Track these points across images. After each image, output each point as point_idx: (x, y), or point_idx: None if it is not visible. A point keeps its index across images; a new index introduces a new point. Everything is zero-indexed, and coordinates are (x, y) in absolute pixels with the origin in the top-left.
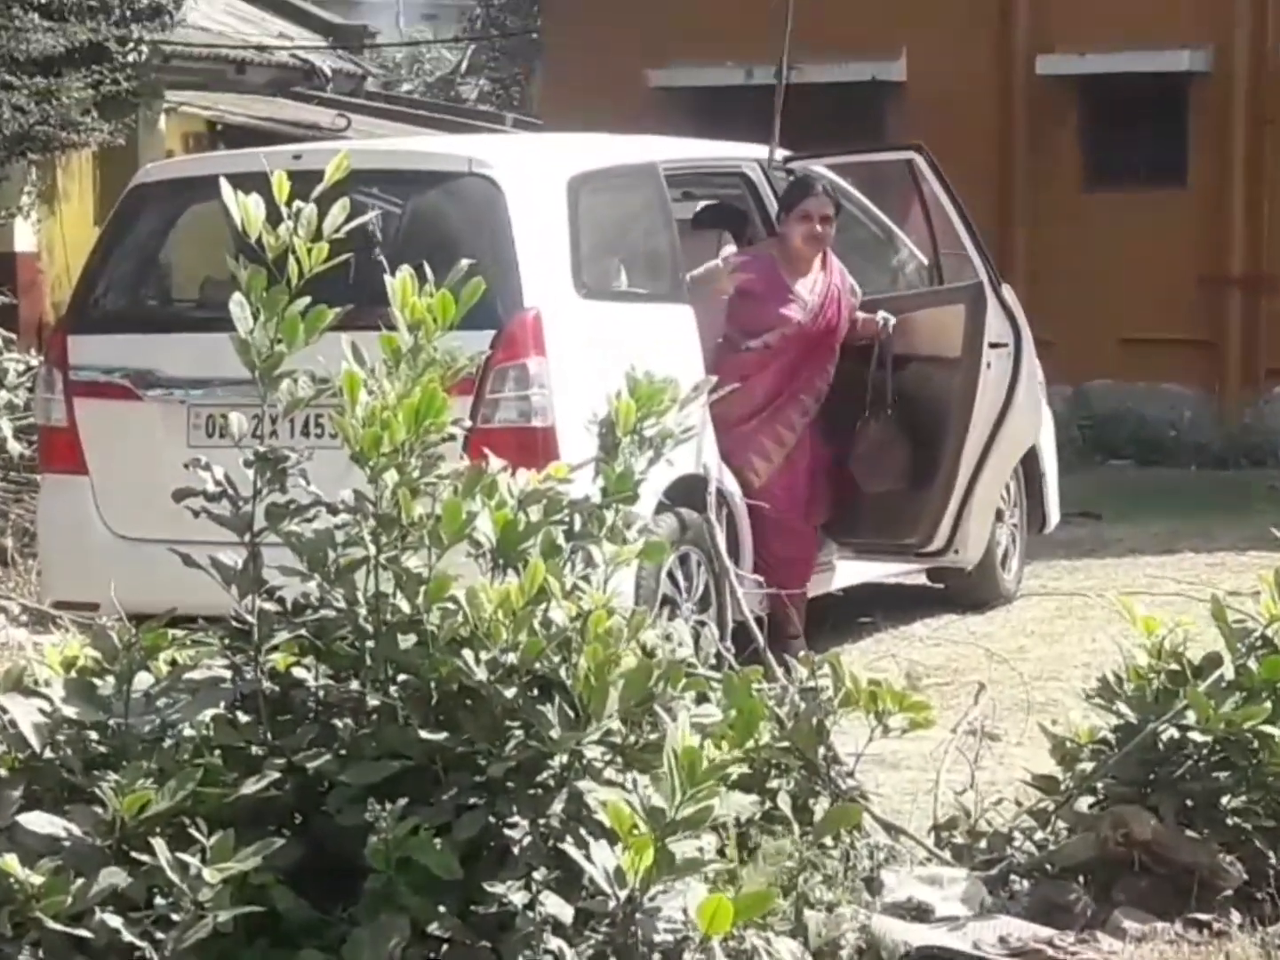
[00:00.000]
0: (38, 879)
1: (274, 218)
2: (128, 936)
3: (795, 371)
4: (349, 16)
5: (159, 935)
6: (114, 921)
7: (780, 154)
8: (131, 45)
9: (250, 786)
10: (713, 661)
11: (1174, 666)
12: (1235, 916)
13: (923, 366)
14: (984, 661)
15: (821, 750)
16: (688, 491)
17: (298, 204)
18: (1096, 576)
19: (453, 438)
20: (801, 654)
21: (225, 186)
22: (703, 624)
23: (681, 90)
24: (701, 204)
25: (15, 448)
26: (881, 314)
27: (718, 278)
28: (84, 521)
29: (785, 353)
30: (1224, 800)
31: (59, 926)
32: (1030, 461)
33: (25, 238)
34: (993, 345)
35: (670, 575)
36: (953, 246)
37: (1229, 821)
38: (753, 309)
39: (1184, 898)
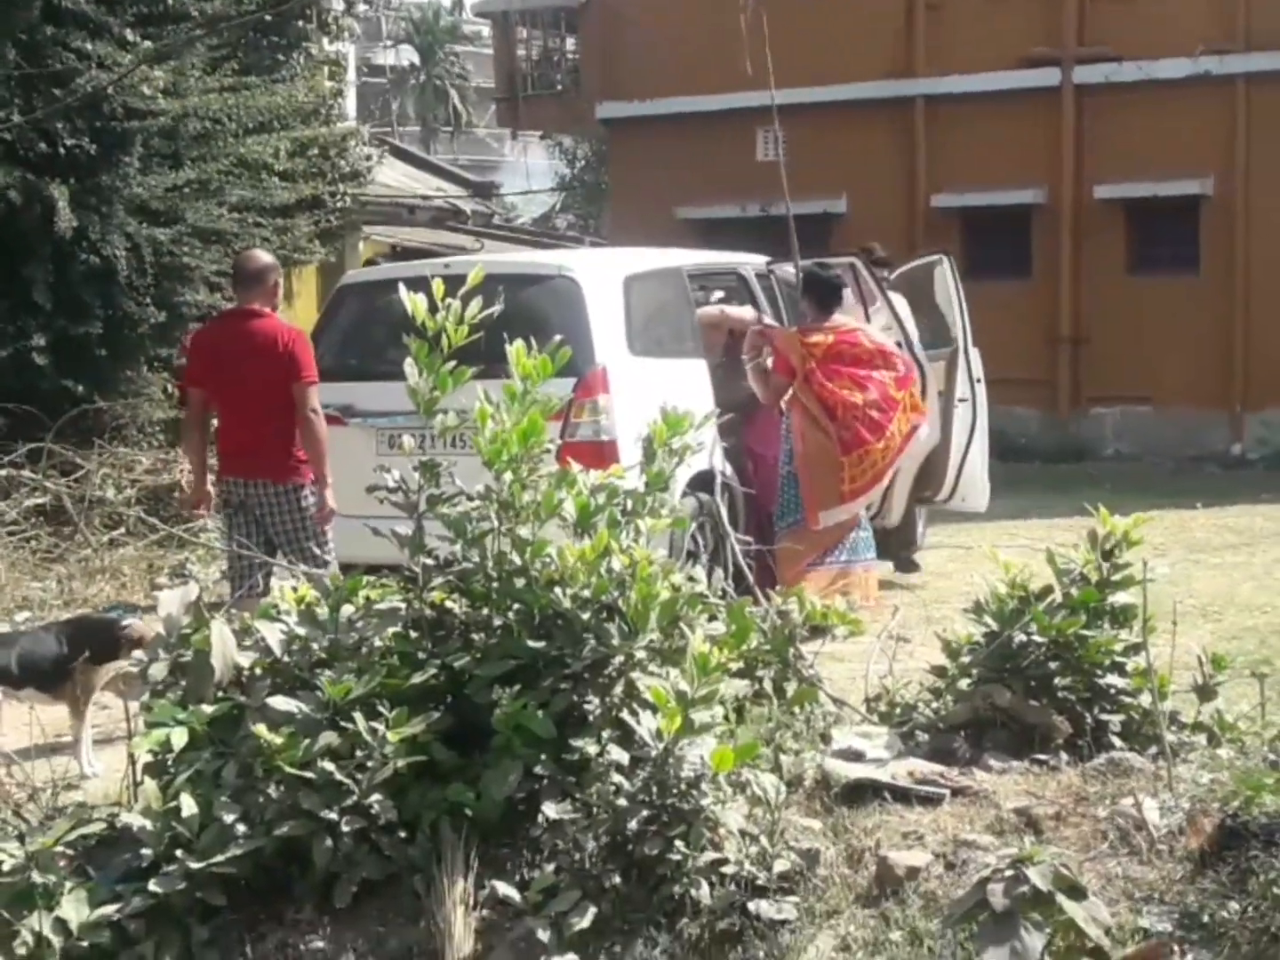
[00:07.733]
0: (278, 740)
1: (433, 308)
2: (339, 777)
3: None
4: (488, 176)
5: (358, 776)
6: (329, 767)
7: (763, 260)
8: (339, 196)
9: (417, 678)
10: (720, 593)
11: (1022, 594)
12: (1064, 757)
13: None
14: (899, 590)
15: (791, 651)
16: (704, 482)
17: (448, 300)
18: (974, 535)
19: (549, 450)
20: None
21: (402, 288)
22: (713, 569)
23: (698, 220)
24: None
25: None
26: None
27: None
28: None
29: None
30: (1056, 680)
31: (293, 771)
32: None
33: None
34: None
35: (693, 537)
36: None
37: (1059, 694)
38: None
39: (1030, 745)
